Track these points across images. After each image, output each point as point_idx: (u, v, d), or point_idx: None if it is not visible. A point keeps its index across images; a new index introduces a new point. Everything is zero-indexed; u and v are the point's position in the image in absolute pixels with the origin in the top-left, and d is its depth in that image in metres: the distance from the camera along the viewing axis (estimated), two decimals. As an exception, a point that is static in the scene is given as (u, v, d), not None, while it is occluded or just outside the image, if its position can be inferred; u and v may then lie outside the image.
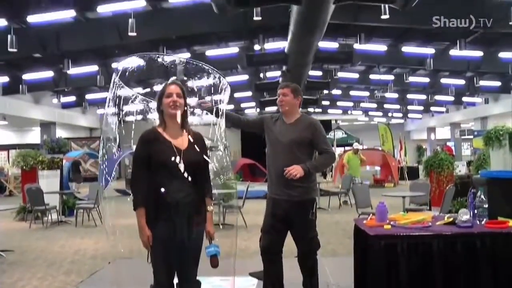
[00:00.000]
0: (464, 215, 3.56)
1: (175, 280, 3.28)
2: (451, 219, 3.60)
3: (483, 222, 3.53)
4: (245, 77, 22.85)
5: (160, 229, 3.11)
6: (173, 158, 3.12)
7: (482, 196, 3.64)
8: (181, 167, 3.11)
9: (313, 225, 4.08)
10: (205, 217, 3.27)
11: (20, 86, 18.30)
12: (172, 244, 3.13)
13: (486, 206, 3.63)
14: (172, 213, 3.10)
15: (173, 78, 3.48)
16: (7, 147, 26.87)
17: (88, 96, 24.55)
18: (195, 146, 3.24)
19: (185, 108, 3.26)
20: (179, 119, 3.18)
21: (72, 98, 24.77)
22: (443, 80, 23.43)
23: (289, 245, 4.26)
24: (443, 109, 32.08)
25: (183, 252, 3.18)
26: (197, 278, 3.34)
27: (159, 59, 4.05)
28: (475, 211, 3.62)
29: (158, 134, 3.22)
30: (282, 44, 15.53)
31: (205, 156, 3.31)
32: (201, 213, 3.25)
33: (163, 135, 3.21)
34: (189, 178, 3.15)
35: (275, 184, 4.06)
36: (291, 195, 3.93)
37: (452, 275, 3.23)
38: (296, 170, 3.83)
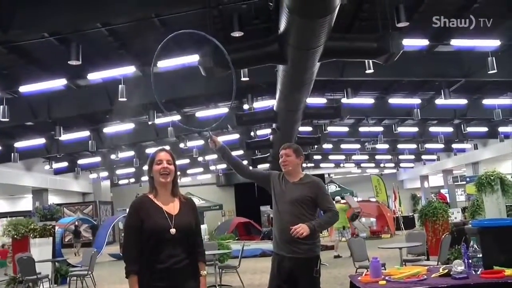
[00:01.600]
0: (459, 266, 3.54)
1: None
2: (446, 271, 3.58)
3: (478, 272, 3.51)
4: (235, 136, 23.06)
5: None
6: (165, 224, 3.12)
7: (476, 246, 3.64)
8: (173, 232, 3.11)
9: (318, 283, 4.07)
10: (198, 283, 3.24)
11: (12, 154, 18.32)
12: None
13: (480, 255, 3.62)
14: (164, 280, 3.06)
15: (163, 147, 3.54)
16: (-2, 216, 26.58)
17: (80, 161, 24.57)
18: (187, 211, 3.26)
19: (175, 174, 3.31)
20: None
21: (64, 164, 24.77)
22: (432, 129, 23.78)
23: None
24: (434, 156, 32.37)
25: None
26: None
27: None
28: (470, 261, 3.61)
29: (149, 201, 3.24)
30: (270, 102, 15.78)
31: (196, 220, 3.32)
32: (195, 278, 3.22)
33: (154, 201, 3.23)
34: (181, 244, 3.14)
35: (280, 241, 4.11)
36: (296, 252, 3.96)
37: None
38: (302, 229, 3.87)
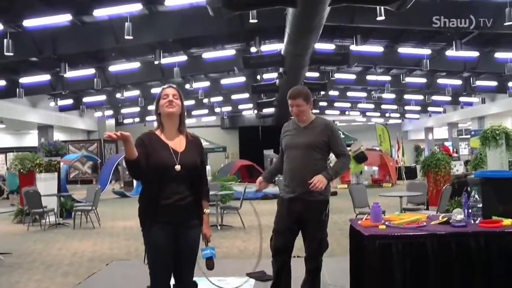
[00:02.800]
0: (458, 215, 3.59)
1: (172, 281, 3.30)
2: (445, 219, 3.63)
3: (477, 222, 3.56)
4: (242, 79, 22.91)
5: (156, 231, 3.12)
6: (170, 160, 3.13)
7: (476, 196, 3.67)
8: (178, 169, 3.13)
9: (325, 226, 4.11)
10: (201, 220, 3.30)
11: (17, 90, 18.29)
12: (168, 246, 3.15)
13: (480, 205, 3.65)
14: (168, 216, 3.12)
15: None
16: (5, 150, 26.90)
17: (86, 99, 24.57)
18: (193, 148, 3.27)
19: (182, 110, 3.29)
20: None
21: (69, 101, 24.78)
22: (440, 81, 23.52)
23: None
24: (440, 109, 32.18)
25: (179, 254, 3.20)
26: (194, 279, 3.36)
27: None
28: (469, 210, 3.65)
29: (156, 136, 3.24)
30: (278, 46, 15.57)
31: (202, 159, 3.34)
32: (198, 216, 3.28)
33: (161, 137, 3.24)
34: (186, 181, 3.18)
35: (291, 185, 4.09)
36: (306, 195, 3.96)
37: (446, 274, 3.25)
38: (320, 182, 3.87)
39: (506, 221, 3.44)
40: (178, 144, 3.23)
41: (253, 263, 6.20)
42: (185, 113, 3.34)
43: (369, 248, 3.33)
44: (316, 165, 4.01)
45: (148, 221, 3.15)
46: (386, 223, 3.59)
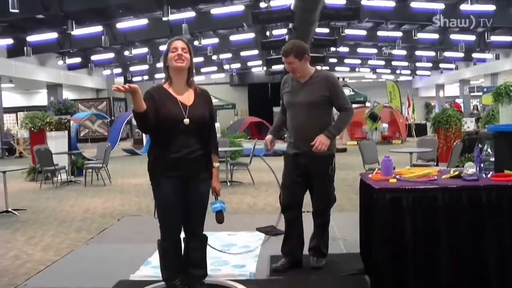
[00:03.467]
0: (470, 169, 3.54)
1: (182, 235, 3.33)
2: (457, 173, 3.59)
3: (489, 176, 3.52)
4: (251, 35, 22.59)
5: (166, 184, 3.13)
6: (178, 114, 3.11)
7: (489, 150, 3.62)
8: (187, 122, 3.10)
9: (332, 181, 4.09)
10: (211, 174, 3.30)
11: (25, 48, 18.18)
12: (178, 199, 3.16)
13: (493, 159, 3.60)
14: (177, 169, 3.12)
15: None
16: (15, 110, 27.05)
17: (94, 57, 24.42)
18: (201, 102, 3.23)
19: (191, 64, 3.23)
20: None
21: (77, 60, 24.65)
22: (453, 36, 22.98)
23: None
24: (452, 65, 31.60)
25: (189, 207, 3.22)
26: (204, 232, 3.40)
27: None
28: (481, 164, 3.60)
29: (164, 90, 3.21)
30: (288, 1, 15.23)
31: (211, 113, 3.30)
32: (207, 170, 3.28)
33: (169, 91, 3.20)
34: (195, 134, 3.15)
35: (296, 140, 4.03)
36: (311, 151, 3.88)
37: (457, 228, 3.25)
38: (322, 144, 3.82)
39: (519, 175, 3.41)
40: (187, 97, 3.20)
41: (262, 218, 6.28)
42: (194, 67, 3.29)
43: (379, 201, 3.32)
44: (319, 121, 3.94)
45: (157, 175, 3.15)
46: (397, 176, 3.57)
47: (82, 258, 4.93)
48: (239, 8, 17.79)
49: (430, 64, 31.56)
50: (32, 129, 11.99)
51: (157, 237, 3.33)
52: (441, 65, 31.82)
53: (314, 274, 4.06)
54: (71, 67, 25.34)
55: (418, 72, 36.02)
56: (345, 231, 5.25)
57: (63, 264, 4.73)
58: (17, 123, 24.65)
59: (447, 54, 27.03)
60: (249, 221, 6.17)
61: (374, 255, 3.42)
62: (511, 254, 3.21)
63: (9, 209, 7.39)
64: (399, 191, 3.31)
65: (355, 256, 4.13)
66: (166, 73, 3.24)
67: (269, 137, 4.23)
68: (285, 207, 4.15)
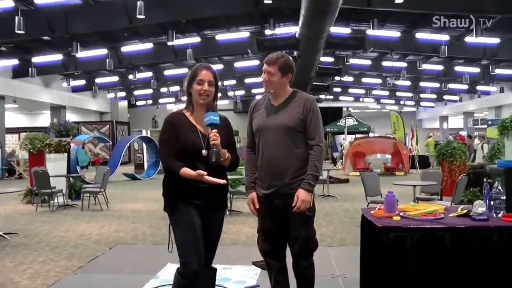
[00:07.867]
0: (480, 207, 3.34)
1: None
2: (465, 211, 3.40)
3: (500, 215, 3.32)
4: (255, 62, 22.65)
5: (184, 209, 3.04)
6: (197, 143, 3.04)
7: (500, 187, 3.42)
8: (205, 154, 3.01)
9: (311, 222, 3.42)
10: (226, 203, 3.30)
11: (30, 69, 18.25)
12: (200, 226, 3.05)
13: (504, 198, 3.41)
14: (195, 198, 3.03)
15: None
16: (18, 130, 27.00)
17: (98, 80, 24.51)
18: (220, 131, 3.08)
19: (216, 95, 3.15)
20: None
21: (82, 82, 24.75)
22: (457, 68, 23.03)
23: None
24: (456, 97, 31.62)
25: (207, 235, 3.11)
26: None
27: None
28: (492, 203, 3.40)
29: (185, 118, 3.13)
30: (293, 29, 15.27)
31: (229, 141, 3.22)
32: (223, 198, 3.24)
33: (189, 119, 3.13)
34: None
35: (267, 176, 3.37)
36: (285, 189, 3.30)
37: (466, 270, 3.05)
38: (303, 202, 3.22)
39: (532, 215, 3.21)
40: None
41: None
42: (218, 96, 3.20)
43: (382, 240, 3.12)
44: (296, 153, 3.31)
45: (174, 201, 3.06)
46: (401, 214, 3.37)
47: (68, 289, 4.72)
48: (244, 34, 17.86)
49: (434, 96, 31.60)
50: (31, 150, 11.85)
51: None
52: (445, 97, 31.85)
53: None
54: (75, 89, 25.42)
55: (422, 103, 36.05)
56: (345, 268, 5.02)
57: (49, 295, 4.52)
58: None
59: (451, 85, 27.07)
60: (246, 253, 5.94)
61: (376, 296, 3.21)
62: (523, 301, 3.00)
63: (0, 233, 7.19)
64: (403, 229, 3.11)
65: (356, 296, 3.90)
66: (188, 100, 3.17)
67: (252, 195, 3.48)
68: (264, 254, 3.57)
